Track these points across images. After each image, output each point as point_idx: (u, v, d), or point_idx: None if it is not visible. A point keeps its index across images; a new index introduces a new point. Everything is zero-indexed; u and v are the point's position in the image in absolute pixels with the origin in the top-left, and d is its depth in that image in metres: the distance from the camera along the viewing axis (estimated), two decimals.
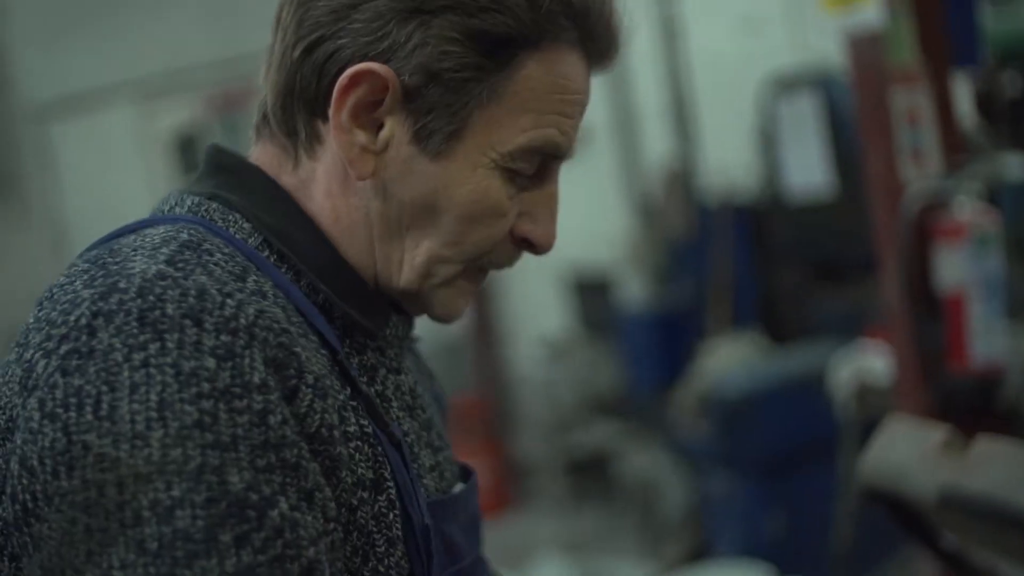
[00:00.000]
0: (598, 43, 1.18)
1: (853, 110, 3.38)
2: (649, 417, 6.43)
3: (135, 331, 0.95)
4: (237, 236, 1.13)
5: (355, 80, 1.11)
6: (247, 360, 0.97)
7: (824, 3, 3.20)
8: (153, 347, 0.95)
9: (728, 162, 6.35)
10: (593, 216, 7.64)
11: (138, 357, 0.94)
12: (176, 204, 1.17)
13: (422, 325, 1.33)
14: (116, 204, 7.37)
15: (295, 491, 0.97)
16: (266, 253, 1.14)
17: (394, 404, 1.20)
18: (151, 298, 0.97)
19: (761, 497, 4.89)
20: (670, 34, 6.21)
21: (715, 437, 5.02)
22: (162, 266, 1.01)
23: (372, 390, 1.17)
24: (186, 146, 8.12)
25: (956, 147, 3.04)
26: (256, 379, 0.97)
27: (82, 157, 8.05)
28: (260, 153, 1.21)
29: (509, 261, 1.22)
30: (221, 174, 1.20)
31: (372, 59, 1.11)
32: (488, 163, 1.14)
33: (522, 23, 1.12)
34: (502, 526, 6.88)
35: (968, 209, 2.92)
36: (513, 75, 1.13)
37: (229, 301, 0.99)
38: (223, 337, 0.97)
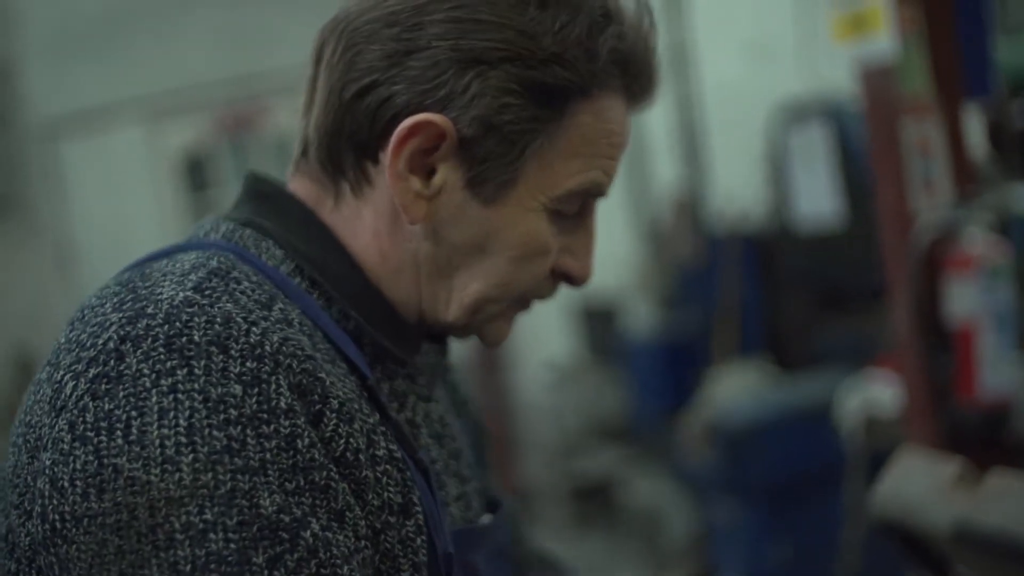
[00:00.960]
0: (641, 87, 1.20)
1: (864, 140, 3.39)
2: (654, 444, 6.42)
3: (163, 357, 0.97)
4: (269, 263, 1.14)
5: (414, 131, 1.12)
6: (273, 386, 0.98)
7: (835, 32, 3.20)
8: (181, 373, 0.96)
9: (737, 190, 6.35)
10: (601, 242, 7.58)
11: (166, 383, 0.96)
12: (212, 230, 1.18)
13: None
14: (124, 223, 7.40)
15: (326, 512, 0.98)
16: (297, 280, 1.14)
17: (423, 431, 1.21)
18: (178, 325, 0.99)
19: (766, 526, 4.88)
20: (680, 61, 6.22)
21: (721, 465, 5.01)
22: (189, 293, 1.02)
23: (402, 416, 1.18)
24: (194, 166, 8.14)
25: (967, 178, 3.03)
26: (283, 404, 0.98)
27: (90, 176, 8.06)
28: (298, 186, 1.22)
29: (549, 294, 1.24)
30: (258, 201, 1.21)
31: (428, 107, 1.12)
32: (538, 206, 1.16)
33: (580, 75, 1.13)
34: None
35: (979, 241, 2.92)
36: (566, 123, 1.15)
37: (254, 328, 1.01)
38: (249, 364, 0.98)
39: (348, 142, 1.16)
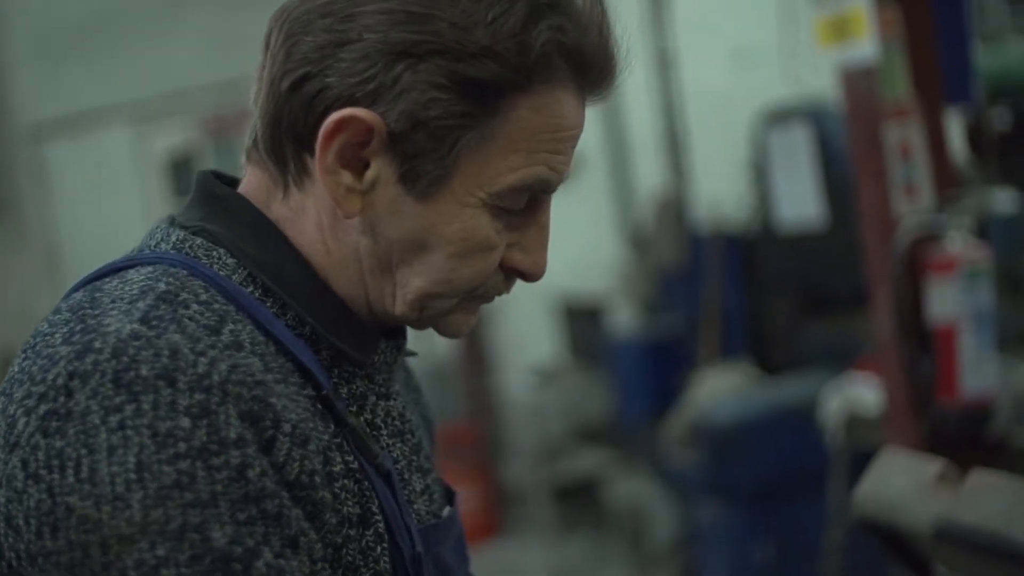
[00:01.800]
0: (594, 76, 1.16)
1: (846, 143, 3.42)
2: (638, 445, 6.44)
3: (111, 393, 0.97)
4: (221, 273, 1.12)
5: (340, 126, 1.10)
6: (222, 417, 0.98)
7: (818, 37, 3.24)
8: (129, 409, 0.96)
9: (720, 193, 6.38)
10: (585, 245, 7.68)
11: (114, 419, 0.96)
12: (162, 239, 1.16)
13: (412, 346, 1.33)
14: (111, 225, 7.40)
15: (279, 539, 0.98)
16: (250, 288, 1.13)
17: (384, 432, 1.19)
18: (125, 359, 0.98)
19: (750, 526, 4.91)
20: (663, 66, 6.25)
21: (704, 465, 5.03)
22: (136, 325, 1.01)
23: (361, 419, 1.16)
24: (181, 168, 8.13)
25: (948, 181, 3.08)
26: (232, 435, 0.98)
27: (77, 178, 8.05)
28: (251, 178, 1.20)
29: (503, 289, 1.20)
30: (209, 204, 1.19)
31: (359, 101, 1.09)
32: (476, 202, 1.12)
33: (512, 68, 1.09)
34: (491, 552, 6.88)
35: (959, 243, 2.96)
36: (503, 118, 1.11)
37: (202, 359, 1.00)
38: (197, 395, 0.98)
39: (287, 133, 1.14)
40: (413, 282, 1.14)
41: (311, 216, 1.16)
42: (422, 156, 1.10)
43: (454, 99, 1.09)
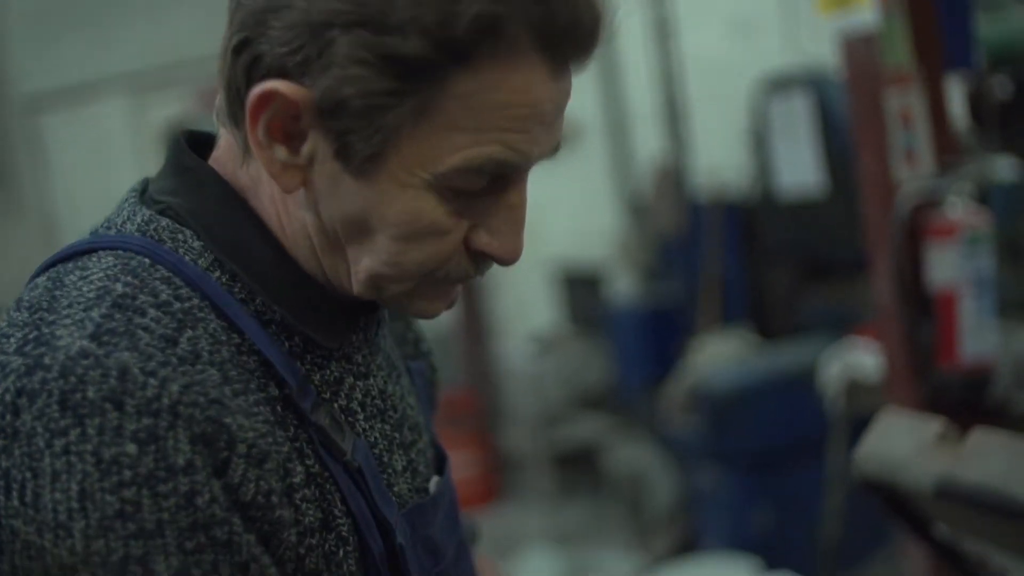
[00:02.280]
0: (564, 47, 1.05)
1: (846, 111, 3.43)
2: (638, 412, 6.47)
3: (56, 415, 0.94)
4: (186, 257, 1.08)
5: (264, 100, 1.04)
6: (171, 442, 0.94)
7: (818, 5, 3.24)
8: (74, 433, 0.93)
9: (719, 161, 6.39)
10: (584, 213, 7.69)
11: (59, 443, 0.93)
12: (128, 219, 1.12)
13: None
14: (108, 196, 7.38)
15: (228, 566, 0.96)
16: (217, 274, 1.08)
17: (360, 416, 1.15)
18: (73, 379, 0.94)
19: (749, 491, 4.93)
20: (662, 35, 6.24)
21: (704, 431, 5.06)
22: (86, 343, 0.97)
23: (335, 406, 1.12)
24: None
25: (948, 148, 3.08)
26: (181, 461, 0.94)
27: (74, 149, 8.06)
28: (223, 141, 1.15)
29: (472, 273, 1.12)
30: (179, 175, 1.14)
31: (290, 72, 1.03)
32: (418, 183, 1.04)
33: (440, 43, 1.00)
34: (490, 518, 6.91)
35: (960, 208, 2.97)
36: (440, 95, 1.02)
37: (152, 380, 0.95)
38: (145, 420, 0.94)
39: (235, 98, 1.08)
40: (363, 261, 1.08)
41: (266, 188, 1.11)
42: (352, 133, 1.03)
43: (376, 76, 1.01)
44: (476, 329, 7.96)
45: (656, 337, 6.38)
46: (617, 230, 7.55)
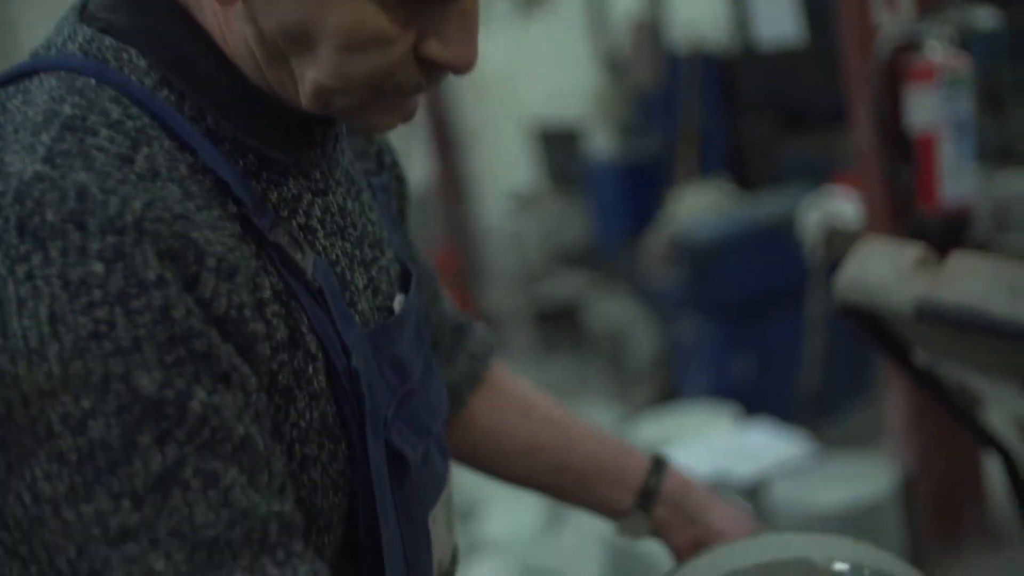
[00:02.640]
0: None
1: None
2: (618, 266, 6.51)
3: (15, 241, 0.90)
4: (132, 77, 1.03)
5: None
6: (139, 258, 0.91)
7: None
8: (36, 258, 0.90)
9: (697, 14, 6.35)
10: (560, 70, 7.65)
11: (21, 270, 0.90)
12: (68, 39, 1.06)
13: None
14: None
15: (209, 378, 0.93)
16: (164, 92, 1.03)
17: (320, 233, 1.12)
18: (29, 204, 0.90)
19: (730, 341, 4.99)
20: None
21: (684, 282, 5.09)
22: (39, 167, 0.92)
23: (294, 224, 1.09)
24: None
25: None
26: (151, 276, 0.91)
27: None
28: None
29: (423, 85, 1.06)
30: None
31: None
32: None
33: None
34: None
35: (940, 51, 2.97)
36: None
37: (113, 197, 0.92)
38: (109, 238, 0.90)
39: None
40: (308, 75, 1.02)
41: (208, 0, 1.05)
42: None
43: None
44: (454, 189, 7.96)
45: (635, 192, 6.40)
46: (594, 86, 7.52)
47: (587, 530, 3.73)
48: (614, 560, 3.58)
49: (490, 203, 7.99)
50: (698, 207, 5.41)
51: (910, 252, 1.58)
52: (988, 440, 1.86)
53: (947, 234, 3.02)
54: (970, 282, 1.48)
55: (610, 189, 6.54)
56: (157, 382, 0.90)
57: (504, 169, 8.04)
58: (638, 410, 5.26)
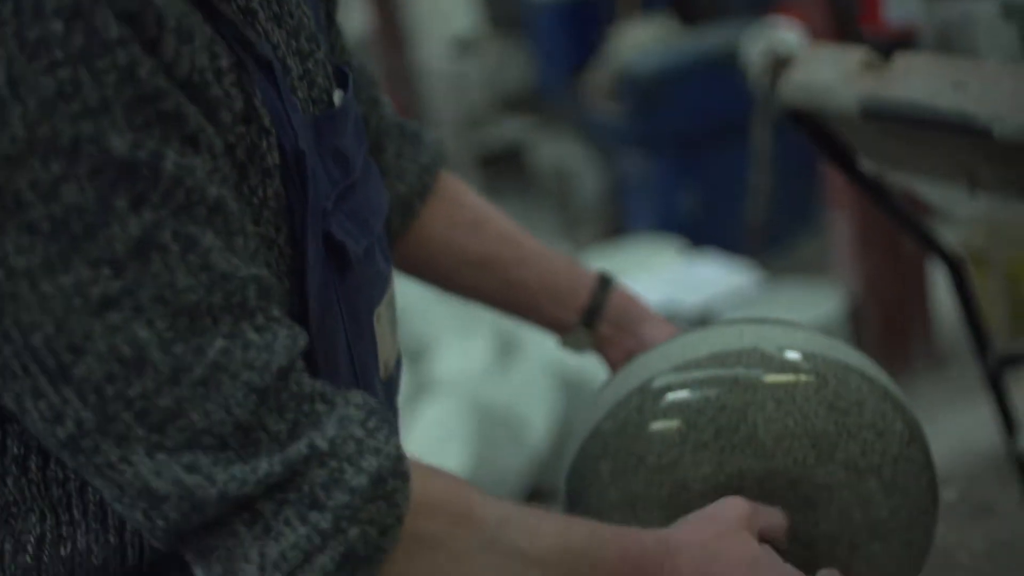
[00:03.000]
0: None
1: None
2: (562, 108, 6.47)
3: None
4: None
5: None
6: (99, 16, 0.87)
7: None
8: None
9: None
10: None
11: None
12: None
13: None
14: None
15: (179, 139, 0.91)
16: None
17: (260, 16, 1.08)
18: None
19: (675, 174, 4.98)
20: None
21: (628, 117, 5.07)
22: None
23: (234, 5, 1.04)
24: None
25: None
26: (113, 34, 0.87)
27: None
28: None
29: None
30: None
31: None
32: None
33: None
34: None
35: None
36: None
37: None
38: None
39: None
40: None
41: None
42: None
43: None
44: (393, 34, 7.84)
45: (577, 31, 6.34)
46: None
47: (537, 365, 3.75)
48: (565, 393, 3.60)
49: (431, 48, 7.89)
50: (641, 42, 5.36)
51: (855, 54, 1.57)
52: (935, 248, 1.87)
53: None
54: (915, 79, 1.47)
55: (551, 29, 6.48)
56: (128, 143, 0.87)
57: (444, 13, 7.92)
58: (586, 247, 5.27)
